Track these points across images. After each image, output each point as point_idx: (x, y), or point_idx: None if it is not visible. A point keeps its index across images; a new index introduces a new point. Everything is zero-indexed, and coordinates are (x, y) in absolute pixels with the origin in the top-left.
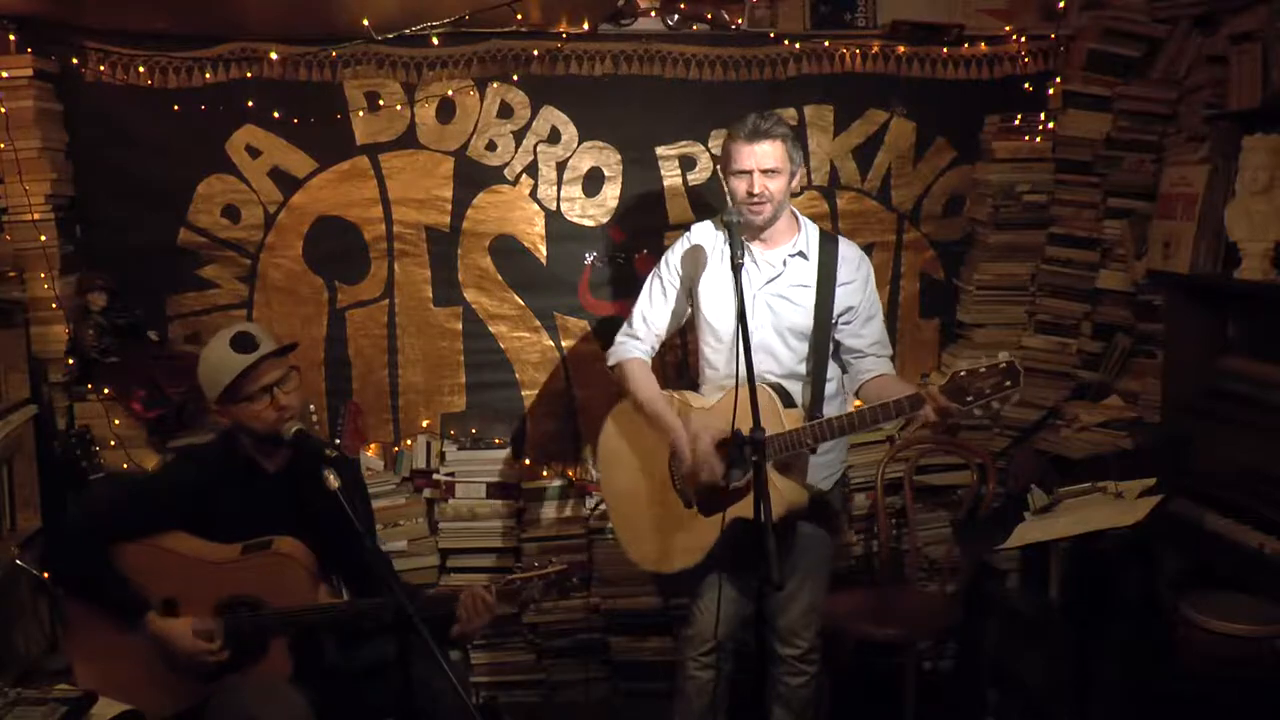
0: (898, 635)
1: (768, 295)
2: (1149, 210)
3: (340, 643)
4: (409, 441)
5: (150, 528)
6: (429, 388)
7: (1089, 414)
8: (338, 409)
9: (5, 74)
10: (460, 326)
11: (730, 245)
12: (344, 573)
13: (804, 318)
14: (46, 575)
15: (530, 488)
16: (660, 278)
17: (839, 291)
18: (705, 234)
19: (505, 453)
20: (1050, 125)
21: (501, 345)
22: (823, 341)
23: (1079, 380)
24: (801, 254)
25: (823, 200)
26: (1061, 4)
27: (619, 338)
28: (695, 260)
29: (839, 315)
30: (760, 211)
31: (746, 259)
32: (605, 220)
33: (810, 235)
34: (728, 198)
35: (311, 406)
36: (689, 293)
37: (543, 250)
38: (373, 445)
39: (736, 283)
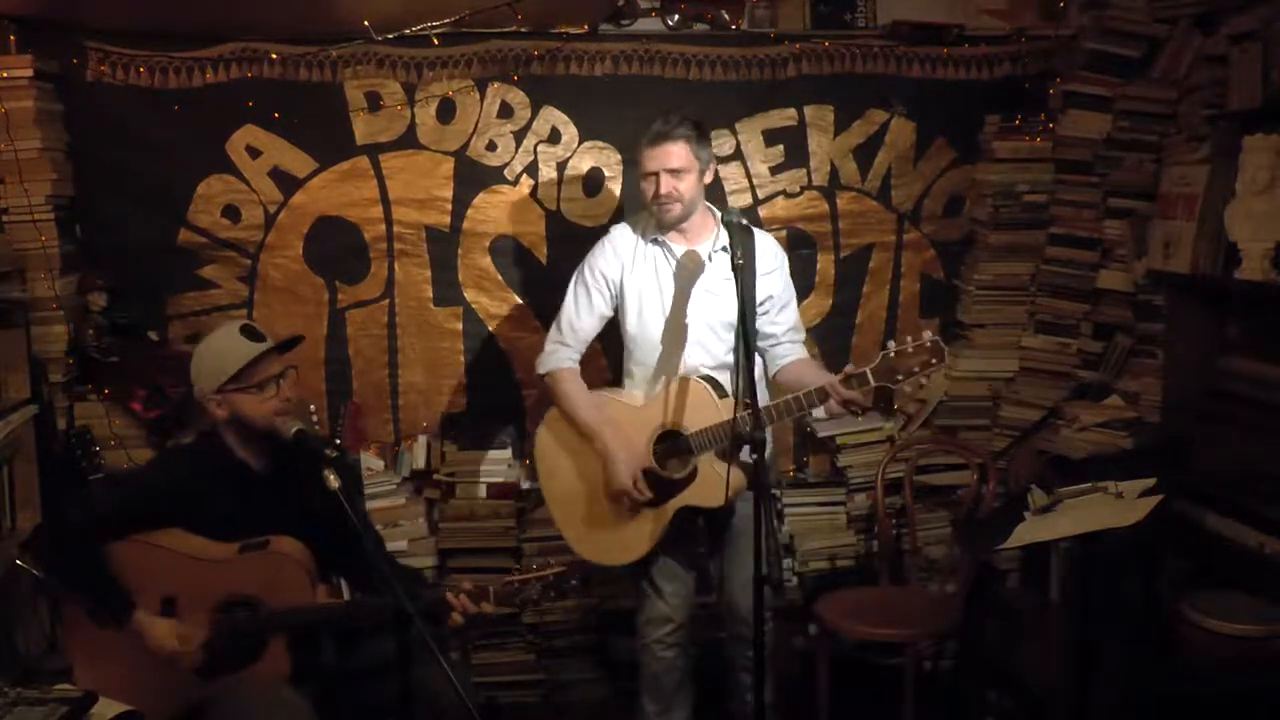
0: (898, 635)
1: (697, 291)
2: (1149, 210)
3: (338, 642)
4: (409, 441)
5: (144, 525)
6: (429, 388)
7: (1089, 414)
8: (338, 409)
9: (5, 74)
10: (460, 326)
11: (730, 246)
12: (343, 572)
13: (728, 310)
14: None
15: (530, 488)
16: (585, 283)
17: (761, 281)
18: (627, 236)
19: (505, 453)
20: (1050, 125)
21: (501, 345)
22: (750, 330)
23: (1079, 380)
24: (724, 248)
25: (823, 200)
26: (1061, 4)
27: (548, 345)
28: (619, 264)
29: (759, 304)
30: (670, 210)
31: (668, 256)
32: (605, 220)
33: (724, 229)
34: (727, 199)
35: (312, 406)
36: (612, 296)
37: (543, 250)
38: (373, 445)
39: (738, 282)
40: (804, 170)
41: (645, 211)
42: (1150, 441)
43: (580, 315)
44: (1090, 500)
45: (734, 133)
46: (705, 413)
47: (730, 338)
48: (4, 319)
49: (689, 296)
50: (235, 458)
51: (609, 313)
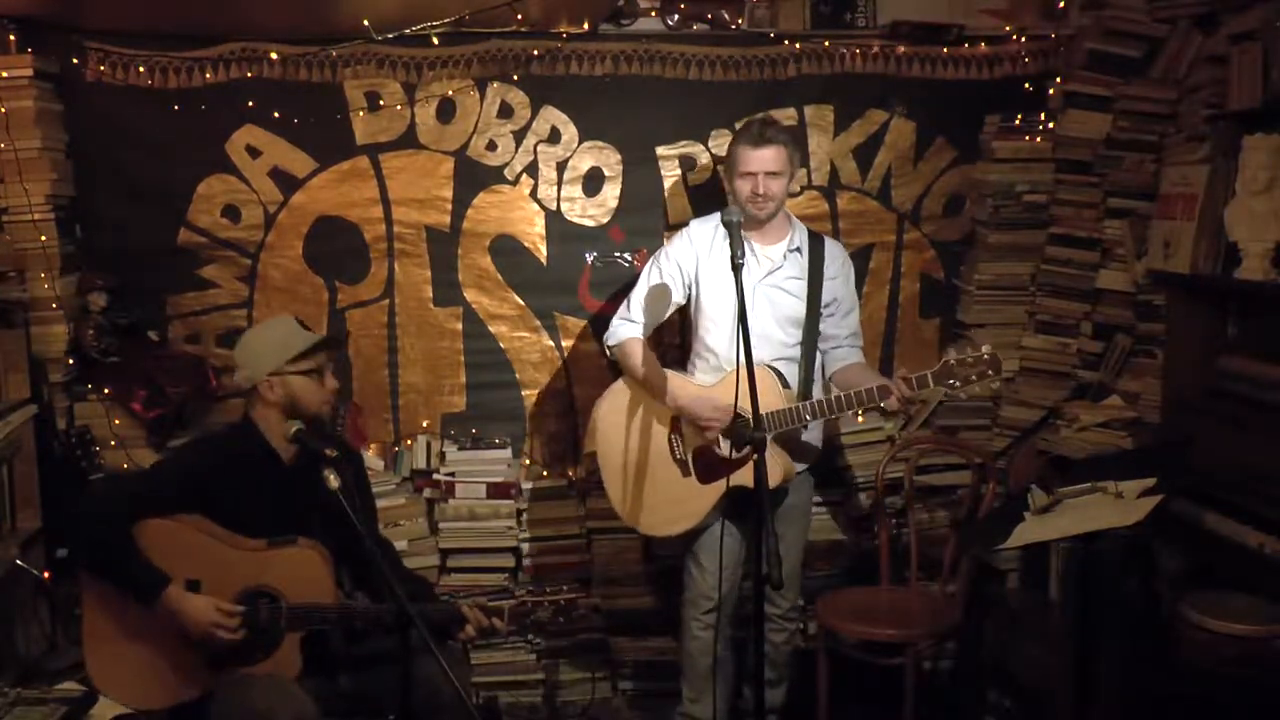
0: (898, 635)
1: (766, 287)
2: (1149, 210)
3: (345, 637)
4: (409, 441)
5: (173, 507)
6: (429, 388)
7: (1089, 414)
8: (338, 409)
9: (5, 74)
10: (460, 326)
11: (730, 244)
12: (350, 570)
13: (798, 307)
14: (65, 551)
15: (530, 488)
16: (659, 268)
17: (827, 284)
18: (704, 230)
19: (505, 453)
20: (1050, 125)
21: (501, 345)
22: (813, 328)
23: (1079, 380)
24: (797, 250)
25: (823, 200)
26: (1061, 4)
27: (615, 321)
28: (694, 255)
29: (824, 306)
30: (764, 208)
31: (746, 253)
32: (605, 220)
33: (801, 233)
34: (729, 197)
35: None
36: (686, 285)
37: (543, 250)
38: (373, 445)
39: (737, 281)
40: (804, 170)
41: (722, 211)
42: (1150, 441)
43: (649, 297)
44: (1090, 500)
45: (734, 132)
46: (769, 399)
47: (795, 333)
48: (4, 319)
49: (757, 291)
50: (269, 447)
51: (680, 300)
